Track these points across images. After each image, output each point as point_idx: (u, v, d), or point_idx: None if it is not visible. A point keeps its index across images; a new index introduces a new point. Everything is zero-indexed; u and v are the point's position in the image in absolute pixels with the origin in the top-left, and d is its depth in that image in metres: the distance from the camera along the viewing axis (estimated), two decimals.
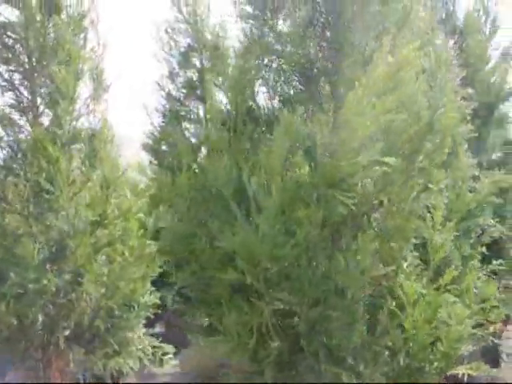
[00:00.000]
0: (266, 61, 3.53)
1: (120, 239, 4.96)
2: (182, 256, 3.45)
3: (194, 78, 7.77)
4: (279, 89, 3.49)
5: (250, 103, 3.50)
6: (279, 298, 2.92)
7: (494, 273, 5.01)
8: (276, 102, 3.52)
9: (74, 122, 4.65)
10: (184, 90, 7.84)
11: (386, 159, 2.72)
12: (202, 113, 7.80)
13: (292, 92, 3.47)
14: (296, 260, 2.85)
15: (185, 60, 7.80)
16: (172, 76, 7.90)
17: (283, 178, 2.96)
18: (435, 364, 3.02)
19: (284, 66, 3.43)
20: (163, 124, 7.90)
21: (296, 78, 3.47)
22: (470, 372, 3.18)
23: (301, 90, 3.44)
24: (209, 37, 7.80)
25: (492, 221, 5.46)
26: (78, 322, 4.70)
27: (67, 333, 4.65)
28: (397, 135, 2.87)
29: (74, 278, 4.59)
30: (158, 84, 7.85)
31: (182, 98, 7.87)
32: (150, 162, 7.77)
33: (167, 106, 7.84)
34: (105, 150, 5.00)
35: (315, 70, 3.40)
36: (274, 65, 3.49)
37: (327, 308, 2.82)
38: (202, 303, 3.50)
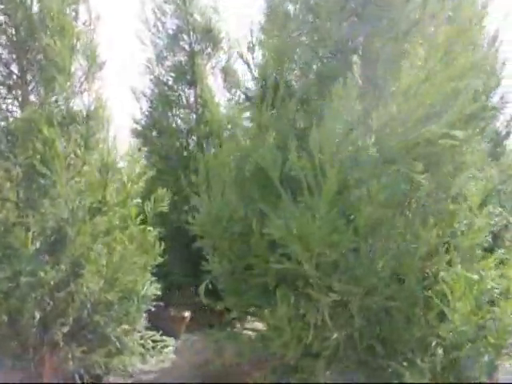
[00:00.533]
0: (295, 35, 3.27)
1: (119, 227, 4.63)
2: (215, 242, 3.14)
3: (184, 62, 7.41)
4: (311, 65, 3.22)
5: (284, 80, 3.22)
6: (334, 288, 2.65)
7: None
8: (310, 79, 3.25)
9: (71, 101, 4.27)
10: (173, 74, 7.47)
11: (456, 132, 2.49)
12: (192, 98, 7.47)
13: (324, 68, 3.20)
14: (354, 245, 2.59)
15: (173, 43, 7.43)
16: (160, 59, 7.52)
17: (339, 156, 2.68)
18: (485, 357, 2.82)
19: (316, 40, 3.16)
20: (151, 109, 7.52)
21: (329, 54, 3.21)
22: None
23: (333, 66, 3.18)
24: (199, 18, 7.45)
25: (500, 209, 5.36)
26: (77, 317, 4.35)
27: (65, 329, 4.29)
28: (459, 109, 2.64)
29: (73, 270, 4.23)
30: (148, 67, 7.46)
31: (171, 83, 7.50)
32: (139, 148, 7.37)
33: (156, 91, 7.46)
34: (102, 132, 4.64)
35: (349, 45, 3.15)
36: (305, 39, 3.23)
37: (384, 298, 2.57)
38: (237, 294, 3.19)
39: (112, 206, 4.58)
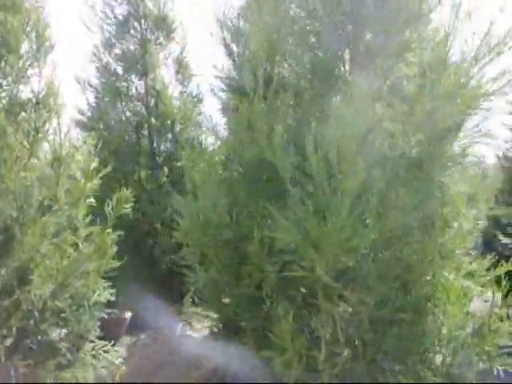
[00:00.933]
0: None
1: (71, 227, 4.21)
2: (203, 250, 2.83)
3: (134, 50, 6.95)
4: (302, 57, 3.00)
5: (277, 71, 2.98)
6: (347, 298, 2.44)
7: None
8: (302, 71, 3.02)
9: (21, 86, 3.80)
10: (122, 63, 7.00)
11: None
12: (143, 89, 7.03)
13: (316, 59, 2.99)
14: (370, 252, 2.40)
15: (123, 30, 6.96)
16: (108, 47, 7.01)
17: (362, 152, 2.46)
18: (480, 364, 2.75)
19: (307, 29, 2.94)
20: (97, 100, 7.00)
21: (317, 45, 3.00)
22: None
23: (326, 58, 2.97)
24: (150, 5, 7.02)
25: None
26: (22, 327, 3.89)
27: (7, 342, 3.83)
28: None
29: (19, 275, 3.77)
30: (94, 54, 6.93)
31: (120, 72, 7.03)
32: (85, 141, 6.82)
33: (103, 80, 6.95)
34: (53, 122, 4.19)
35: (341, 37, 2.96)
36: (296, 28, 3.00)
37: (395, 308, 2.41)
38: (223, 305, 2.90)
39: (63, 205, 4.15)
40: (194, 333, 8.18)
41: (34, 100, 4.10)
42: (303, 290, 2.62)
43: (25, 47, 4.05)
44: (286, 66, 3.01)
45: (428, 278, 2.74)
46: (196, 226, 2.91)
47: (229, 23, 4.28)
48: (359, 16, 3.09)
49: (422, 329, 2.59)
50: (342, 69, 3.07)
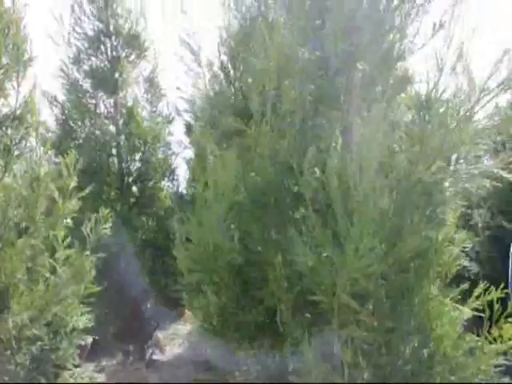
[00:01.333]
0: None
1: (48, 250, 3.98)
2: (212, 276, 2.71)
3: (105, 68, 6.76)
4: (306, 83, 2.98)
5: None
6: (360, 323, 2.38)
7: None
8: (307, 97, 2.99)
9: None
10: (90, 80, 6.78)
11: None
12: (112, 107, 6.83)
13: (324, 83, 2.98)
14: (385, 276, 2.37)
15: (93, 46, 6.76)
16: (76, 62, 6.79)
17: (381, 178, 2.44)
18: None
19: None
20: (64, 117, 6.72)
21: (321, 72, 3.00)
22: None
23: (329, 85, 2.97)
24: (123, 22, 6.88)
25: None
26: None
27: None
28: None
29: None
30: (62, 70, 6.68)
31: (88, 89, 6.80)
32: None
33: (71, 97, 6.69)
34: (30, 139, 4.00)
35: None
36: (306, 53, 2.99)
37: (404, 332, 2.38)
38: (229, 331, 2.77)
39: (41, 226, 3.93)
40: (163, 357, 7.92)
41: (11, 116, 3.90)
42: (315, 314, 2.55)
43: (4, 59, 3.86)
44: (292, 92, 2.98)
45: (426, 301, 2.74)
46: (205, 252, 2.79)
47: (226, 48, 4.24)
48: (361, 46, 3.13)
49: (429, 352, 2.58)
50: (347, 97, 3.09)
